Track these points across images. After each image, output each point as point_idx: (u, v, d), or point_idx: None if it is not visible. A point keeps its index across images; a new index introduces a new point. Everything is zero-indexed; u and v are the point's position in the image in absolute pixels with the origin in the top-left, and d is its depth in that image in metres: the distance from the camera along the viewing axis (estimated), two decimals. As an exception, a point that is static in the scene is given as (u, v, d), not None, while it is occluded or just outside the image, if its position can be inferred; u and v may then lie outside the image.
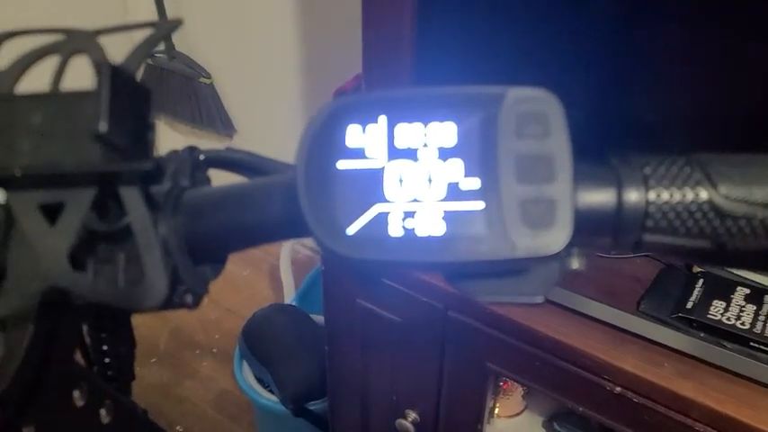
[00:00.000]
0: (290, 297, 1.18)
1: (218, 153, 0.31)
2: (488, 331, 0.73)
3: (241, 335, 1.06)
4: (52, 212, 0.22)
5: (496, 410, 0.82)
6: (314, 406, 0.99)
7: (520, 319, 0.70)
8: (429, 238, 0.21)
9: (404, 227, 0.21)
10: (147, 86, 0.22)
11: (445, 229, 0.21)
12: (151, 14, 1.49)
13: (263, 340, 1.03)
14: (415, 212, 0.21)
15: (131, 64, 0.22)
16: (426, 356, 0.81)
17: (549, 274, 0.23)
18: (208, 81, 1.56)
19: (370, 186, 0.22)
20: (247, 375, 1.04)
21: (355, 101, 0.22)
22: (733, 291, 0.66)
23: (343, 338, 0.88)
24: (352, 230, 0.21)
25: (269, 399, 1.01)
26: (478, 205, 0.21)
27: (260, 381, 1.04)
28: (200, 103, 1.58)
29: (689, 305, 0.65)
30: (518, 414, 0.84)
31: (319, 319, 1.11)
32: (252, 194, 0.25)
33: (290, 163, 0.32)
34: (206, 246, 0.26)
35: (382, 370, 0.87)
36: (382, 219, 0.21)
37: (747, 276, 0.68)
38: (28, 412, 0.24)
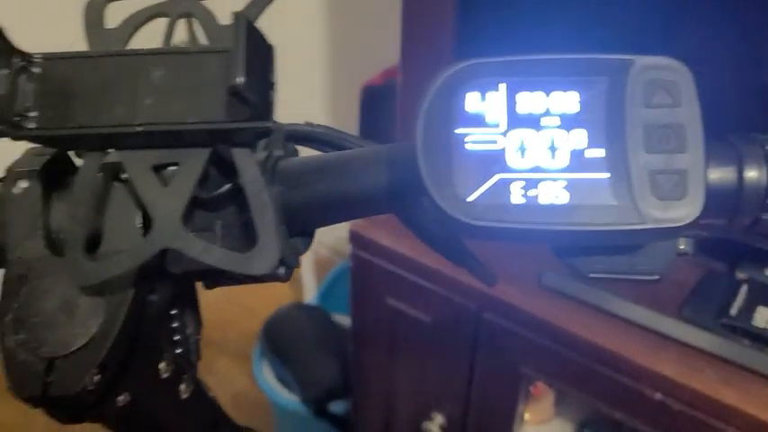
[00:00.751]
0: (310, 296, 1.18)
1: (299, 126, 0.31)
2: (524, 334, 0.72)
3: (262, 333, 1.05)
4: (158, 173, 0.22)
5: (526, 416, 0.81)
6: (334, 407, 0.98)
7: (558, 322, 0.69)
8: (552, 207, 0.20)
9: (526, 195, 0.21)
10: (270, 43, 0.22)
11: (569, 198, 0.21)
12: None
13: (285, 339, 1.02)
14: (537, 181, 0.21)
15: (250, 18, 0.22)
16: (456, 358, 0.80)
17: (665, 252, 0.23)
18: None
19: (490, 154, 0.21)
20: (267, 374, 1.03)
21: (474, 67, 0.22)
22: (777, 298, 0.65)
23: (370, 338, 0.87)
24: (472, 197, 0.21)
25: (289, 398, 1.00)
26: (603, 175, 0.21)
27: (280, 380, 1.03)
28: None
29: (733, 311, 0.64)
30: (548, 421, 0.83)
31: (339, 319, 1.10)
32: (352, 164, 0.25)
33: (367, 140, 0.32)
34: (301, 217, 0.25)
35: (409, 371, 0.86)
36: (503, 186, 0.21)
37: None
38: (123, 379, 0.23)
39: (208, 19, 0.23)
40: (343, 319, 1.09)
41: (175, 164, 0.22)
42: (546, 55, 0.22)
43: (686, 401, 0.63)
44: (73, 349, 0.21)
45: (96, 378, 0.21)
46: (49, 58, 0.21)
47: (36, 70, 0.21)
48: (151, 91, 0.21)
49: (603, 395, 0.69)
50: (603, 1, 0.67)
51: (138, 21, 0.23)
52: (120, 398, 0.23)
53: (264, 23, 0.23)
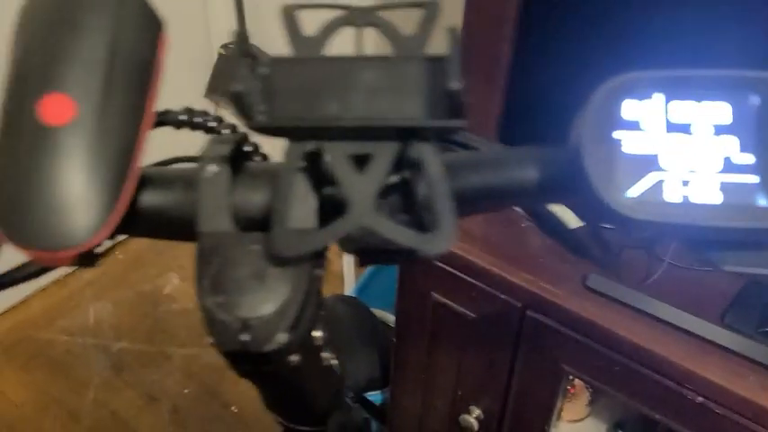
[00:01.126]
0: (349, 290, 1.20)
1: None
2: (568, 333, 0.74)
3: (302, 322, 1.08)
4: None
5: (562, 413, 0.84)
6: (371, 397, 1.01)
7: (602, 323, 0.71)
8: (706, 206, 0.23)
9: (680, 194, 0.23)
10: (460, 53, 0.24)
11: (722, 198, 0.23)
12: (228, 8, 1.53)
13: (325, 329, 1.04)
14: (690, 182, 0.23)
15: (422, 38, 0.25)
16: (498, 353, 0.82)
17: (791, 251, 0.25)
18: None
19: (646, 155, 0.24)
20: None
21: (631, 79, 0.24)
22: (820, 310, 0.67)
23: (413, 331, 0.90)
24: (630, 194, 0.23)
25: (326, 386, 1.03)
26: (753, 179, 0.23)
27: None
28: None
29: (776, 321, 0.66)
30: (582, 419, 0.85)
31: (378, 312, 1.12)
32: (506, 161, 0.27)
33: (489, 141, 0.34)
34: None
35: (449, 364, 0.89)
36: (659, 185, 0.23)
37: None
38: (297, 342, 0.26)
39: (389, 28, 0.26)
40: (379, 314, 1.11)
41: (367, 155, 0.24)
42: (698, 69, 0.24)
43: (729, 406, 0.66)
44: (265, 312, 0.24)
45: (284, 338, 0.24)
46: (275, 61, 0.24)
47: (263, 70, 0.24)
48: (359, 91, 0.24)
49: (644, 396, 0.72)
50: (672, 13, 0.69)
51: (330, 29, 0.26)
52: (293, 358, 0.26)
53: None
